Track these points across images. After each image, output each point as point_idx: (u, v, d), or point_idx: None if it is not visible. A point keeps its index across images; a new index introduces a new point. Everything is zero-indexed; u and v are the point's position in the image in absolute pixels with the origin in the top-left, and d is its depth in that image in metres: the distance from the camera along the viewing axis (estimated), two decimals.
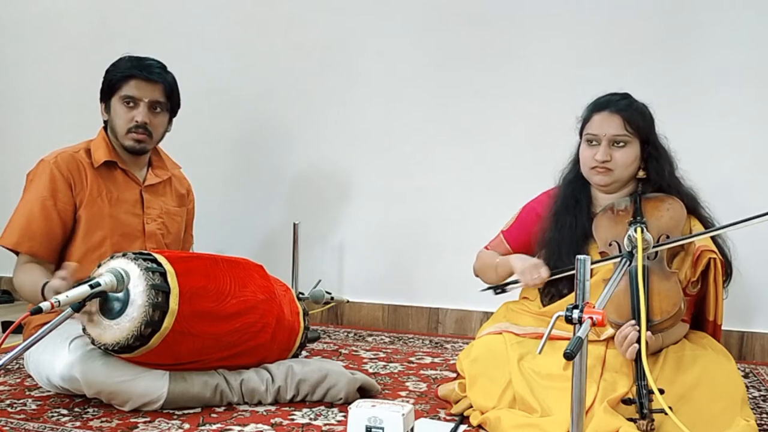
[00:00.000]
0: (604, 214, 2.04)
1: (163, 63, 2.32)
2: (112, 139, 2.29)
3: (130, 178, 2.30)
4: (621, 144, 2.02)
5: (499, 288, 2.19)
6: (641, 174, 2.07)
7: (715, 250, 1.93)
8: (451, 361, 2.53)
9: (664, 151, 2.08)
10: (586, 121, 2.08)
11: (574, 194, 2.12)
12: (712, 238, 1.98)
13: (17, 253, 2.18)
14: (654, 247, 1.89)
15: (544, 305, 2.09)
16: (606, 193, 2.09)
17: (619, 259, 1.83)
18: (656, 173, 2.06)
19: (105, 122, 2.31)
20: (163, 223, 2.35)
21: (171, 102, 2.31)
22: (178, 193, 2.46)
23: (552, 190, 2.20)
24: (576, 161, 2.14)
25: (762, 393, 2.27)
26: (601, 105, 2.06)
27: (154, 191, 2.36)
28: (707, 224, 2.02)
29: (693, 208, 2.03)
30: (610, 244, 1.98)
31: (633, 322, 1.77)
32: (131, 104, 2.23)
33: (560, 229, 2.08)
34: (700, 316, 2.03)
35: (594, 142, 2.04)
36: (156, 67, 2.28)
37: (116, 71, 2.25)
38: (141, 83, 2.23)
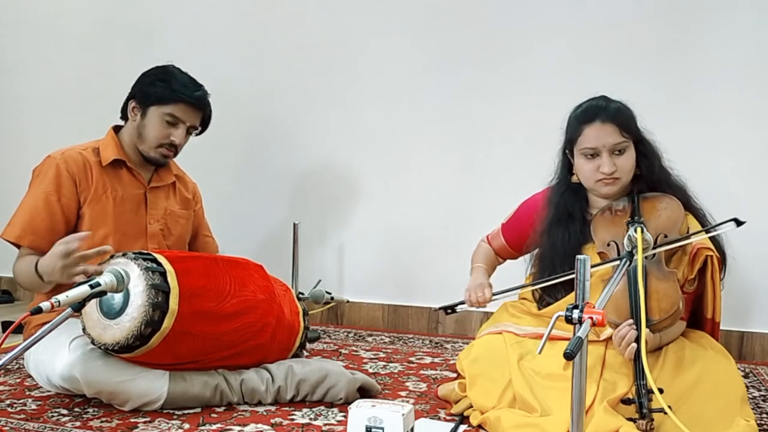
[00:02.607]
0: (602, 215, 2.04)
1: (207, 91, 2.36)
2: (127, 141, 2.30)
3: (135, 178, 2.31)
4: (620, 151, 2.00)
5: (449, 309, 2.25)
6: (635, 171, 2.07)
7: (712, 247, 1.93)
8: (451, 361, 2.53)
9: (650, 145, 2.07)
10: (576, 134, 2.03)
11: (566, 206, 2.10)
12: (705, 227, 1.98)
13: (19, 247, 2.19)
14: (654, 248, 1.89)
15: (539, 309, 2.10)
16: (608, 198, 2.08)
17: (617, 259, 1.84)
18: (647, 169, 2.05)
19: (124, 118, 2.32)
20: (165, 224, 2.36)
21: (202, 127, 2.38)
22: (183, 197, 2.46)
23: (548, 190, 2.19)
24: (565, 172, 2.12)
25: (762, 393, 2.27)
26: (590, 115, 2.01)
27: (158, 192, 2.37)
28: (701, 219, 2.02)
29: (685, 201, 2.03)
30: (608, 245, 1.98)
31: (630, 321, 1.76)
32: (172, 124, 2.27)
33: (552, 244, 2.08)
34: (698, 314, 2.03)
35: (593, 155, 2.01)
36: (205, 95, 2.33)
37: (170, 89, 2.25)
38: (189, 108, 2.28)
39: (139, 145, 2.29)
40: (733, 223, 1.87)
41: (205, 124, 2.38)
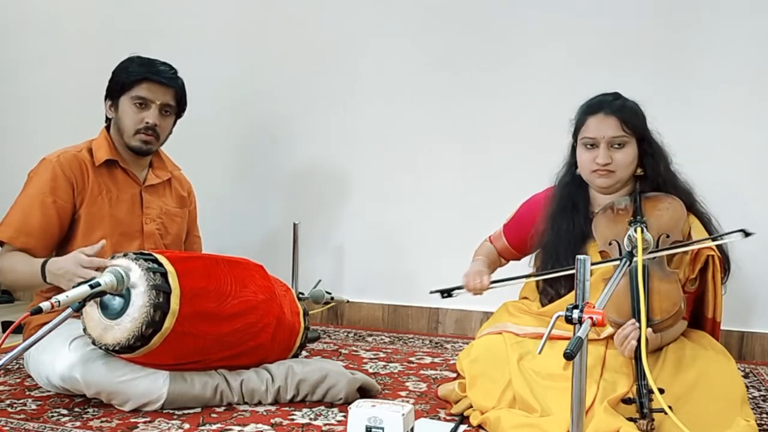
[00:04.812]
0: (604, 214, 2.05)
1: (175, 67, 2.34)
2: (115, 139, 2.30)
3: (130, 178, 2.31)
4: (619, 145, 2.02)
5: (446, 293, 2.20)
6: (639, 171, 2.07)
7: (713, 247, 1.93)
8: (451, 361, 2.53)
9: (658, 147, 2.08)
10: (580, 124, 2.07)
11: (570, 197, 2.11)
12: (710, 233, 1.98)
13: (1, 245, 2.17)
14: (656, 251, 1.89)
15: (543, 305, 2.10)
16: (606, 193, 2.09)
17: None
18: (652, 170, 2.06)
19: (108, 120, 2.32)
20: (162, 223, 2.36)
21: (179, 106, 2.34)
22: (179, 195, 2.46)
23: (550, 189, 2.20)
24: (571, 163, 2.14)
25: (762, 393, 2.27)
26: (594, 107, 2.05)
27: (154, 191, 2.36)
28: (706, 223, 2.02)
29: (690, 203, 2.03)
30: (610, 243, 1.98)
31: (633, 321, 1.77)
32: (142, 105, 2.25)
33: (557, 232, 2.09)
34: (699, 314, 2.03)
35: (592, 146, 2.03)
36: (169, 71, 2.31)
37: (129, 72, 2.26)
38: (154, 86, 2.25)
39: (122, 139, 2.27)
40: (740, 234, 1.86)
41: (180, 102, 2.33)
